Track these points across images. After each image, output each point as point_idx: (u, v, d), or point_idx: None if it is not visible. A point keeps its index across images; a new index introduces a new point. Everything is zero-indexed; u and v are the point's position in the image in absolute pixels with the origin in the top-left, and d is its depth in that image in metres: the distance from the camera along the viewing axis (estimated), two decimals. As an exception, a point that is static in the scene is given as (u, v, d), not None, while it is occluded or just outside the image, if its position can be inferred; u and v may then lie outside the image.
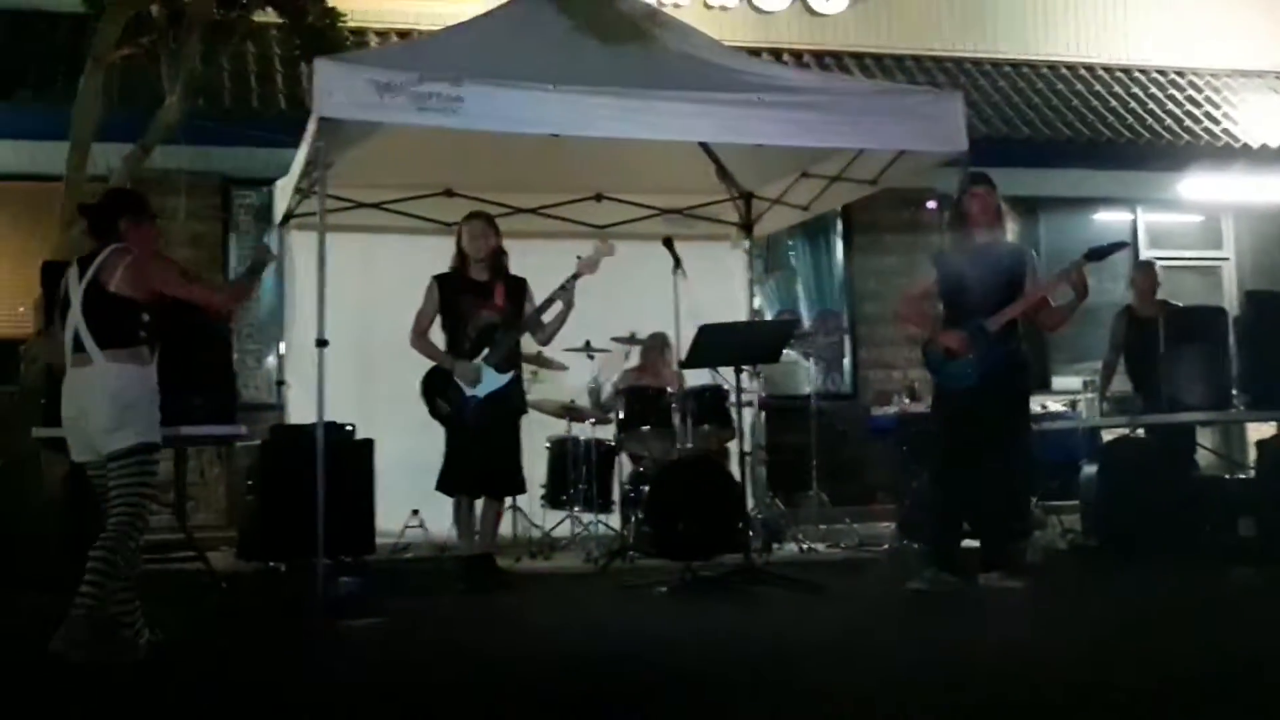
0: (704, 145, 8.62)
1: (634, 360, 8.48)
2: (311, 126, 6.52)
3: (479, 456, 6.73)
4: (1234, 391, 7.65)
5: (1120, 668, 4.14)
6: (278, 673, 4.41)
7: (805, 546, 8.21)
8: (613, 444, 8.04)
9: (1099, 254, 6.44)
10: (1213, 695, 3.66)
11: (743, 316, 9.13)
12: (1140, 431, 8.37)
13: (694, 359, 6.59)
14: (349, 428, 7.21)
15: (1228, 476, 8.45)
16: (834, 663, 4.45)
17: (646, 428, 7.67)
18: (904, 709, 3.63)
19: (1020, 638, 4.93)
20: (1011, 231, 6.63)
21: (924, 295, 6.68)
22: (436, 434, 6.92)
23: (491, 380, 6.75)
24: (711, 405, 7.67)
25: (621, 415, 7.77)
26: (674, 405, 7.52)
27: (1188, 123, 12.10)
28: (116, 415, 4.62)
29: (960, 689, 3.88)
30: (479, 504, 6.85)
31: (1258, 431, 8.46)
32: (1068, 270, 6.38)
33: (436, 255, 7.15)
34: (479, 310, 6.83)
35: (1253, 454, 8.34)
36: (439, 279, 6.92)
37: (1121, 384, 8.71)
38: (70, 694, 4.04)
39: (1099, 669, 4.16)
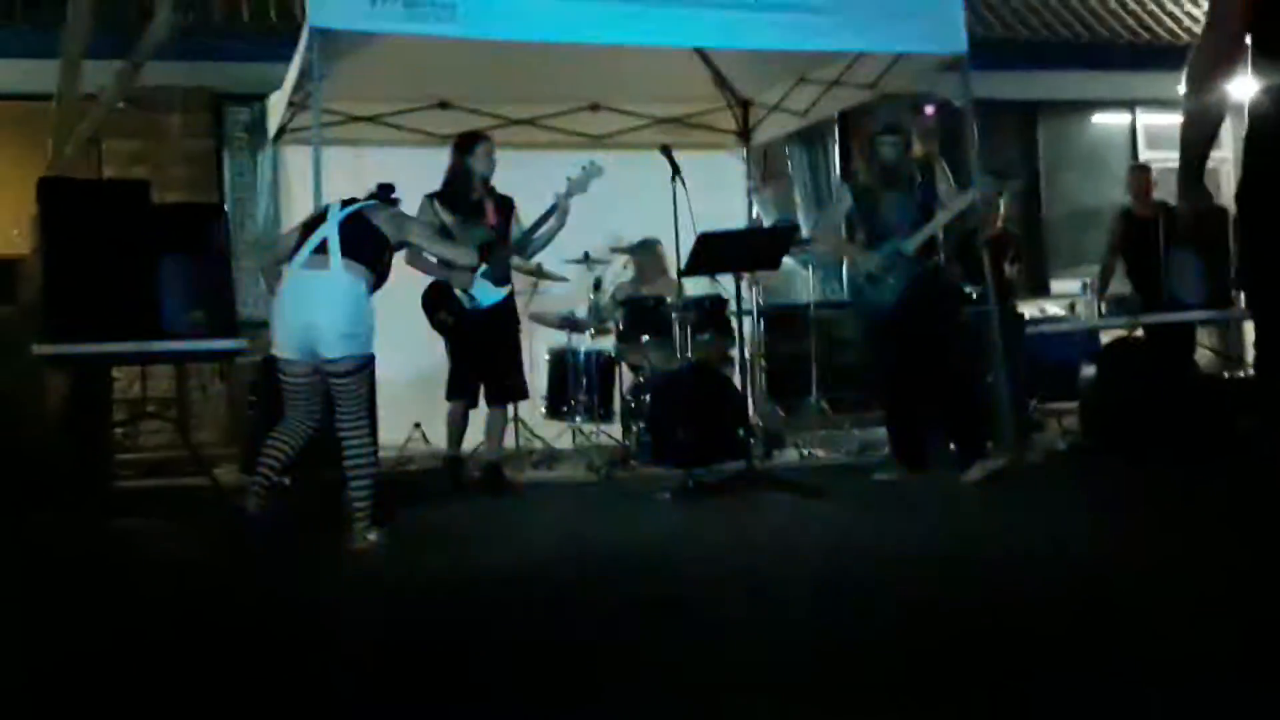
0: (700, 52, 8.54)
1: (629, 272, 8.47)
2: (303, 38, 6.46)
3: (482, 364, 6.83)
4: (1233, 291, 7.66)
5: (1107, 566, 4.19)
6: (294, 587, 4.45)
7: (805, 452, 8.25)
8: (612, 355, 8.05)
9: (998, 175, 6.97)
10: (1188, 591, 3.69)
11: (741, 225, 9.10)
12: (1139, 333, 8.40)
13: (694, 266, 6.60)
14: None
15: (1226, 375, 8.47)
16: (832, 562, 4.51)
17: (646, 338, 7.68)
18: (903, 605, 3.68)
19: (1012, 534, 5.00)
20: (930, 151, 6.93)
21: (840, 220, 7.04)
22: (436, 348, 6.96)
23: (489, 294, 6.79)
24: (711, 314, 7.67)
25: (621, 326, 7.78)
26: (674, 315, 7.52)
27: (1187, 23, 11.96)
28: (353, 321, 5.04)
29: (952, 584, 3.96)
30: (480, 413, 6.93)
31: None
32: (978, 191, 6.93)
33: (432, 169, 7.11)
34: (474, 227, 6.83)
35: (1251, 353, 8.36)
36: (433, 197, 6.90)
37: (1120, 287, 8.72)
38: (94, 611, 4.09)
39: (1085, 567, 4.21)
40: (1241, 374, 8.46)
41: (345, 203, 5.34)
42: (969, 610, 3.55)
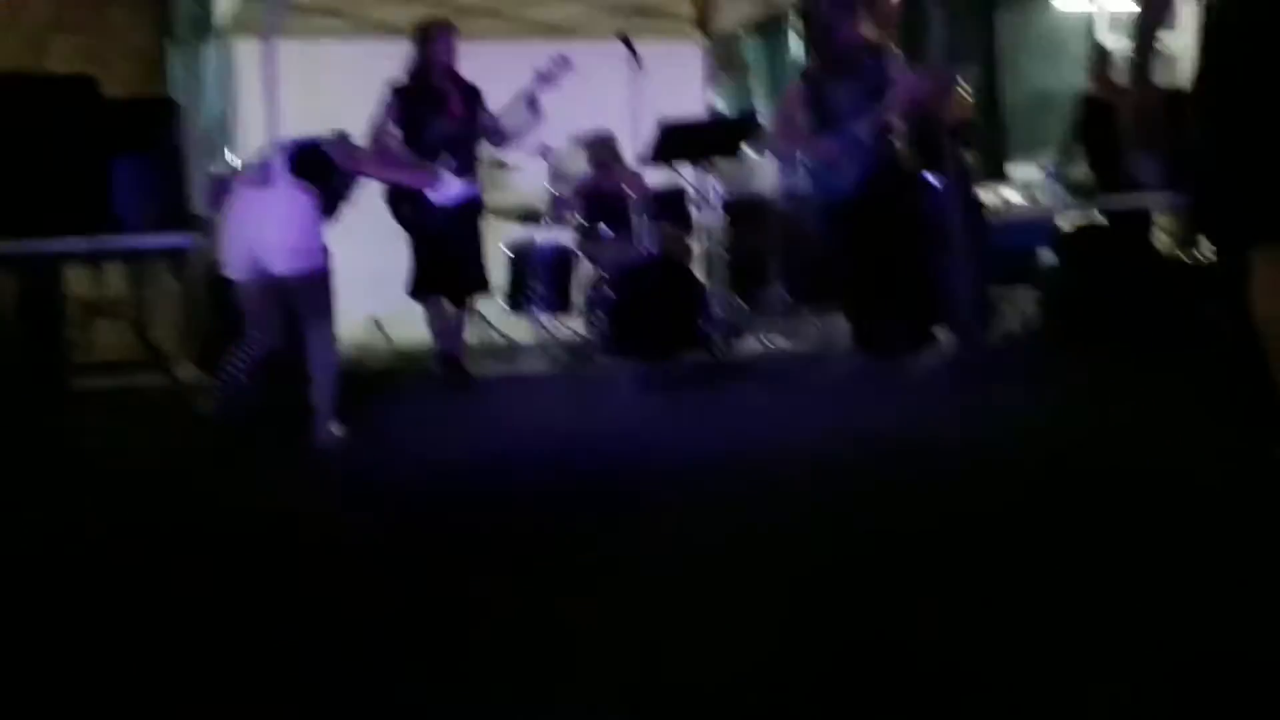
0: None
1: (581, 164, 8.37)
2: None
3: (447, 259, 6.75)
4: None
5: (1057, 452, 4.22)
6: (257, 484, 4.43)
7: (767, 343, 8.25)
8: (572, 247, 7.99)
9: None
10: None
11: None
12: (1100, 221, 8.39)
13: (655, 155, 6.54)
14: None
15: (1186, 260, 8.49)
16: (789, 450, 4.52)
17: (605, 228, 7.62)
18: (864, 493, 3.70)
19: (980, 418, 5.03)
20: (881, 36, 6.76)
21: (794, 110, 6.84)
22: (396, 244, 6.87)
23: (454, 187, 6.70)
24: (671, 206, 7.62)
25: (580, 218, 7.71)
26: (633, 206, 7.46)
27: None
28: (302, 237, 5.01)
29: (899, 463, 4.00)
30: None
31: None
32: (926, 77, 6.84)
33: (388, 61, 6.96)
34: (437, 123, 6.73)
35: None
36: (397, 90, 6.77)
37: (1080, 173, 8.69)
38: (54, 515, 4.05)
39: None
40: (1201, 258, 8.47)
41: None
42: (935, 496, 3.58)
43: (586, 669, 2.21)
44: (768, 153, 9.23)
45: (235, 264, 5.14)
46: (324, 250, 5.16)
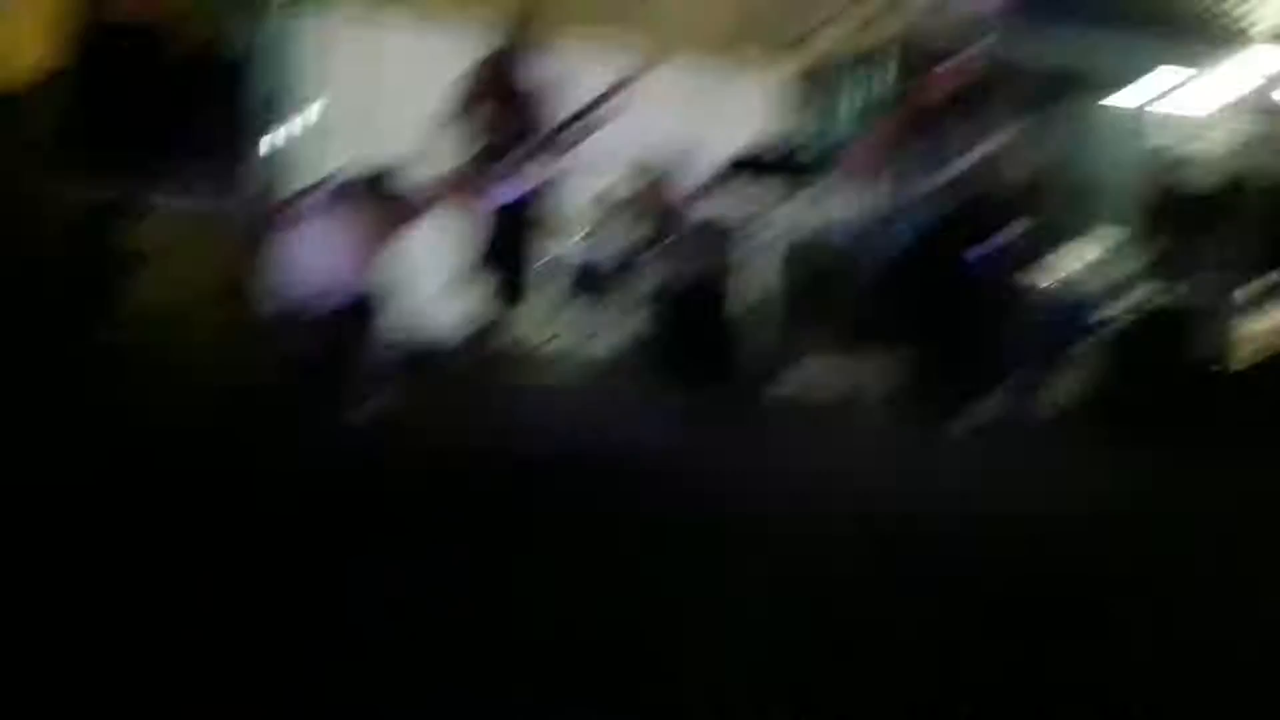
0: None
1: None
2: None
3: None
4: None
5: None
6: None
7: (812, 382, 8.12)
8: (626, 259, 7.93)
9: None
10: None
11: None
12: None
13: (723, 178, 6.39)
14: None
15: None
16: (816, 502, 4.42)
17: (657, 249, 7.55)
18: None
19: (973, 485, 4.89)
20: None
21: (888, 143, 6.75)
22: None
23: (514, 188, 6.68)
24: (728, 234, 7.56)
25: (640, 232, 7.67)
26: (692, 227, 7.37)
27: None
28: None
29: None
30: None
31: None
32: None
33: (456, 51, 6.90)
34: (503, 116, 6.76)
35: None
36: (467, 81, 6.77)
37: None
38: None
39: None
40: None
41: None
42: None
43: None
44: (838, 187, 9.12)
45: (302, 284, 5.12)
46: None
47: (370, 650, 2.28)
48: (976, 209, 6.83)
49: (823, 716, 2.13)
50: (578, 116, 6.71)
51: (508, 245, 6.72)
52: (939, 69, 6.53)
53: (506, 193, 6.66)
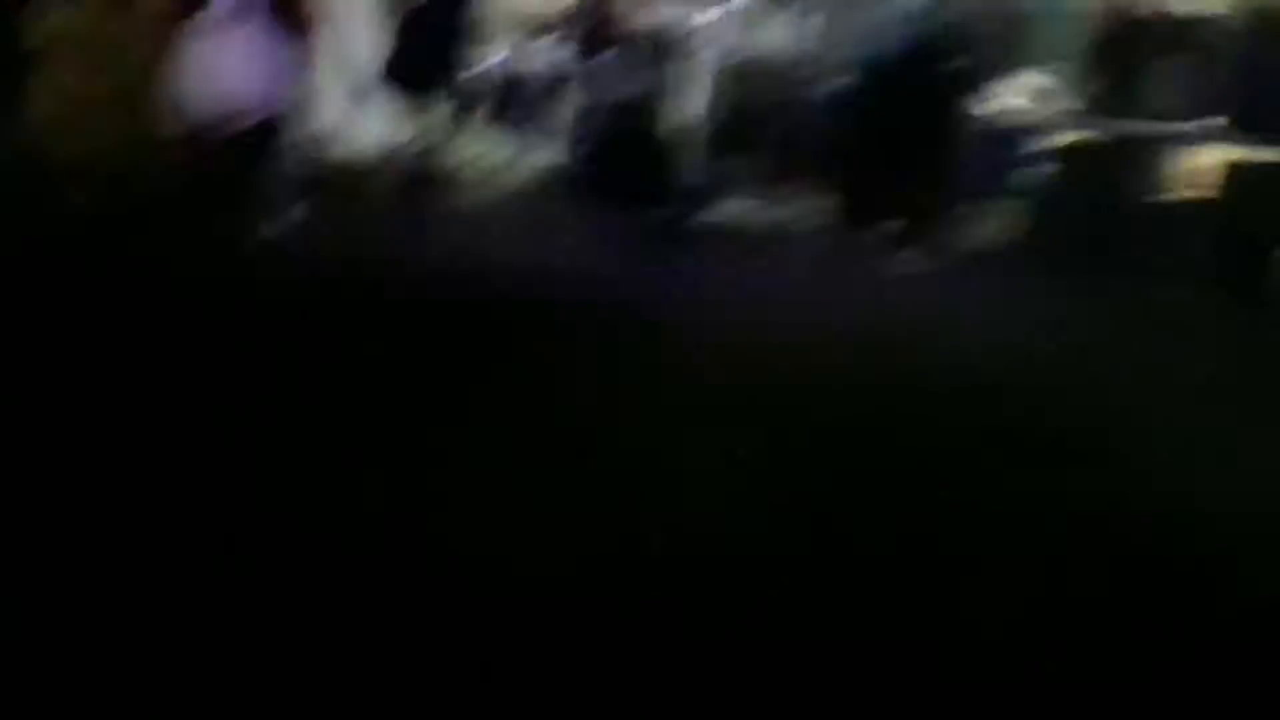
0: None
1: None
2: None
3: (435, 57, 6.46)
4: None
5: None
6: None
7: (748, 209, 7.93)
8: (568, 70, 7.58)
9: None
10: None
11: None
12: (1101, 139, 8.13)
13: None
14: None
15: (1176, 196, 8.27)
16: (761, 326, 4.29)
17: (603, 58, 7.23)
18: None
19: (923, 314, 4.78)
20: None
21: None
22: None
23: None
24: (669, 45, 7.24)
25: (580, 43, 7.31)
26: (631, 39, 7.05)
27: None
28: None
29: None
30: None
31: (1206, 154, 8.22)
32: None
33: None
34: None
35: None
36: None
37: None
38: None
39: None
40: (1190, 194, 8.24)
41: None
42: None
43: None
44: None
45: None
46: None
47: (282, 460, 2.13)
48: (923, 40, 6.55)
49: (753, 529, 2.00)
50: None
51: (426, 54, 6.34)
52: None
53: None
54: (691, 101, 7.61)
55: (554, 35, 7.57)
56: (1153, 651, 1.73)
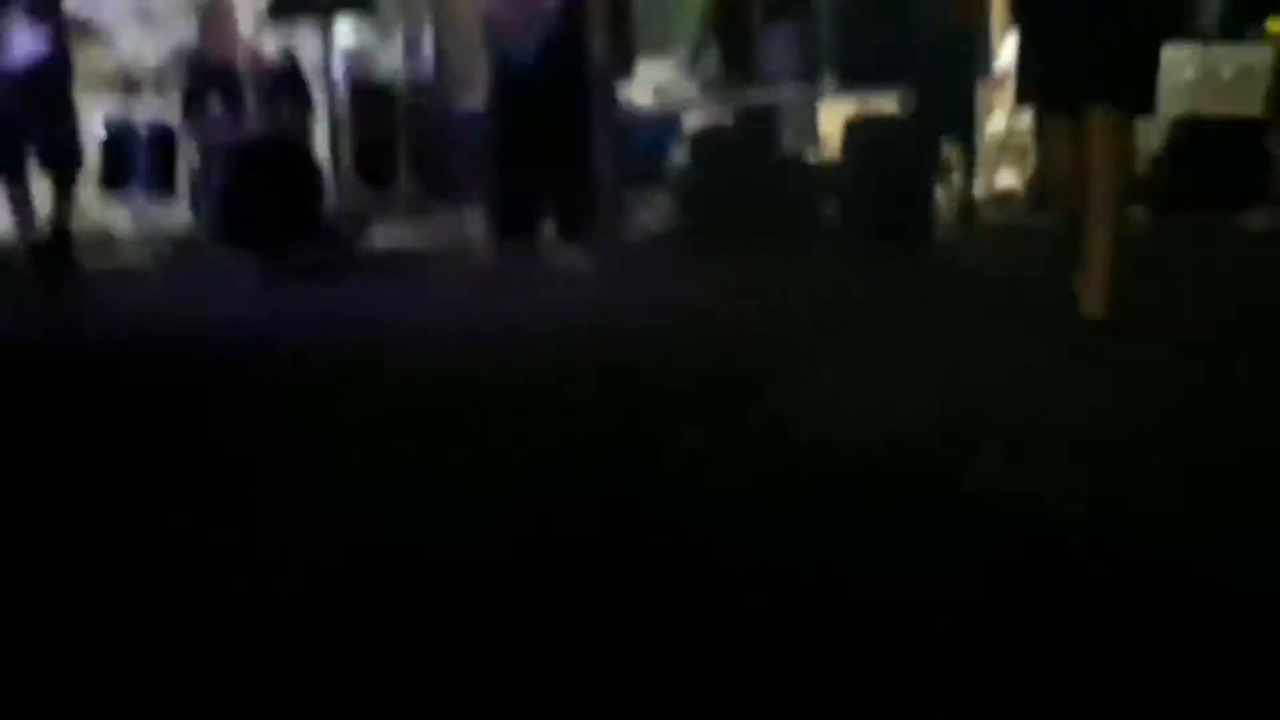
0: None
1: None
2: None
3: (25, 125, 5.87)
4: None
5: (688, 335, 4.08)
6: None
7: (393, 235, 7.77)
8: (174, 124, 7.18)
9: None
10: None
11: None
12: (728, 118, 8.37)
13: (279, 8, 5.87)
14: None
15: (811, 159, 8.62)
16: (449, 341, 4.17)
17: (214, 104, 6.89)
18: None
19: (592, 306, 4.85)
20: None
21: None
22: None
23: (28, 42, 5.82)
24: (290, 81, 6.97)
25: (185, 90, 6.93)
26: (247, 79, 6.77)
27: None
28: None
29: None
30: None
31: (834, 112, 8.59)
32: None
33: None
34: None
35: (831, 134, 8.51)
36: None
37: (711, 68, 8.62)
38: None
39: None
40: (824, 155, 8.61)
41: None
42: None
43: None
44: (395, 32, 8.67)
45: None
46: None
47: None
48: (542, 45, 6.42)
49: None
50: None
51: (37, 102, 5.90)
52: None
53: (22, 43, 5.82)
54: (322, 135, 7.40)
55: (152, 88, 7.20)
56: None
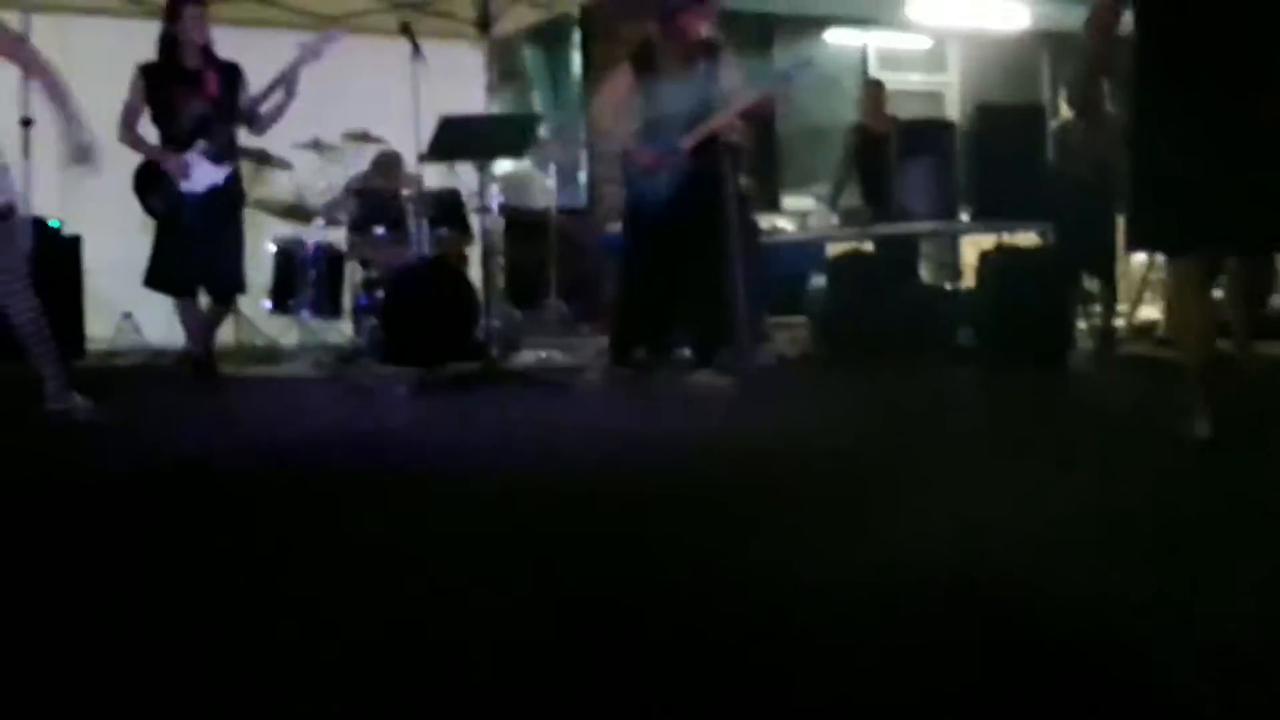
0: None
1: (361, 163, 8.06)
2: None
3: (196, 253, 6.37)
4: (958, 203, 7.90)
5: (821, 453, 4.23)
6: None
7: (543, 355, 8.10)
8: (343, 247, 7.67)
9: (790, 75, 6.67)
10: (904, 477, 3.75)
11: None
12: (868, 246, 8.58)
13: (436, 151, 6.30)
14: (55, 224, 6.67)
15: (949, 287, 8.75)
16: (556, 451, 4.40)
17: (380, 230, 7.36)
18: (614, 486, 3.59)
19: (728, 428, 4.98)
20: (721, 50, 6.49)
21: (625, 97, 6.50)
22: (150, 232, 6.49)
23: (208, 174, 6.36)
24: (449, 209, 7.41)
25: (353, 218, 7.42)
26: (409, 208, 7.22)
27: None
28: None
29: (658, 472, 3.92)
30: (203, 302, 6.51)
31: (975, 246, 8.75)
32: (761, 91, 6.44)
33: (143, 39, 6.59)
34: (191, 100, 6.38)
35: (970, 264, 8.66)
36: (144, 69, 6.41)
37: (852, 201, 8.86)
38: None
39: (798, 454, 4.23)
40: (962, 286, 8.73)
41: None
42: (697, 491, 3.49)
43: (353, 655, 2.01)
44: (549, 163, 9.10)
45: None
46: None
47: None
48: (702, 166, 6.60)
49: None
50: (269, 91, 6.42)
51: (212, 229, 6.40)
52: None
53: (202, 174, 6.35)
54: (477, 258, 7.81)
55: (322, 214, 7.68)
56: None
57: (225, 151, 6.45)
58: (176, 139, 6.35)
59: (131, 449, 4.46)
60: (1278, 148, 3.83)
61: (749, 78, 6.46)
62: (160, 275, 6.40)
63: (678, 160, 6.13)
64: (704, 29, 6.16)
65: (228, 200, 6.49)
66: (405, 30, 6.47)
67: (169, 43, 6.40)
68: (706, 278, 6.30)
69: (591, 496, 3.43)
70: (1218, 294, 4.21)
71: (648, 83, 6.23)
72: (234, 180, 6.56)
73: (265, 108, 6.46)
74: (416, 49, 6.39)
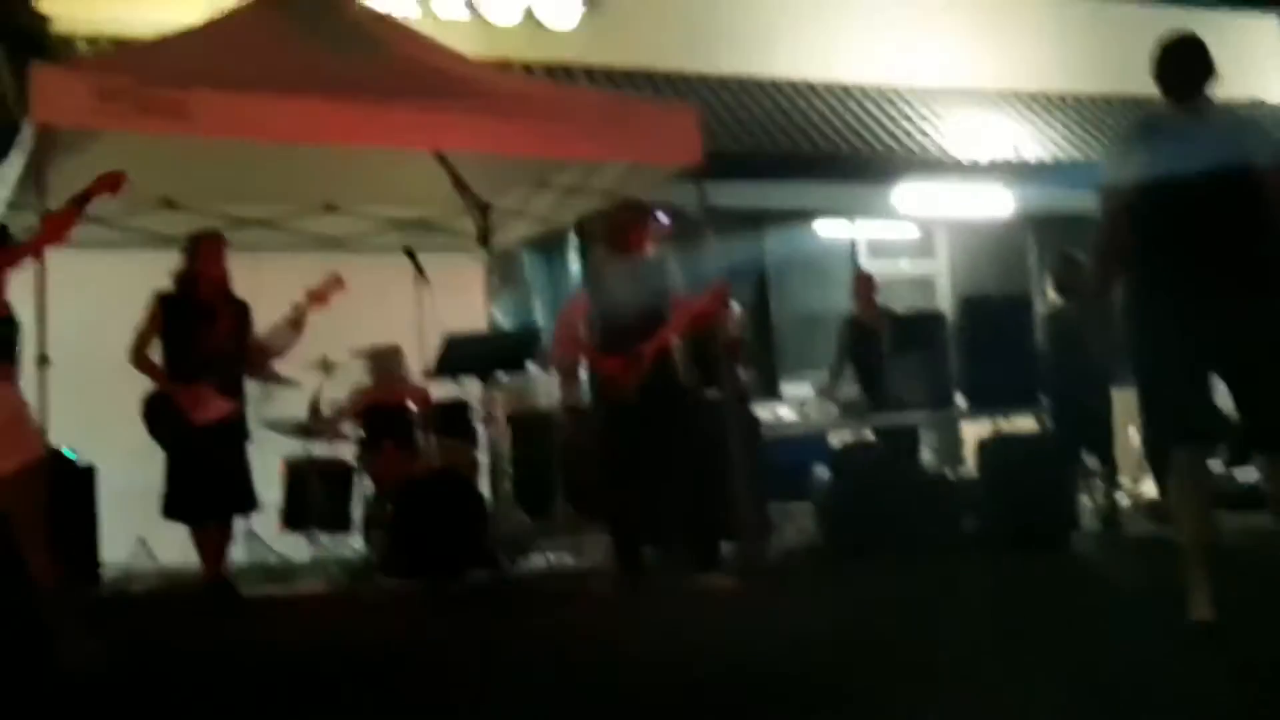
0: (439, 154, 8.51)
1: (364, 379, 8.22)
2: (27, 136, 6.16)
3: (206, 480, 6.53)
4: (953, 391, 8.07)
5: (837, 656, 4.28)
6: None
7: (551, 558, 8.16)
8: (352, 463, 7.79)
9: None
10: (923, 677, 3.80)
11: (482, 328, 9.06)
12: (869, 435, 8.70)
13: (443, 367, 6.49)
14: (69, 454, 6.79)
15: (949, 475, 8.84)
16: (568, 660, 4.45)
17: (389, 444, 7.49)
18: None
19: (738, 631, 5.06)
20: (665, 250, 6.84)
21: (578, 320, 6.80)
22: (161, 458, 6.63)
23: (217, 407, 6.56)
24: (455, 419, 7.56)
25: (362, 434, 7.56)
26: (416, 420, 7.37)
27: (901, 137, 12.62)
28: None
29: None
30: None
31: (973, 430, 8.87)
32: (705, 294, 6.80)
33: (157, 269, 6.84)
34: (206, 337, 6.61)
35: (969, 451, 8.77)
36: (163, 300, 6.64)
37: (849, 391, 9.01)
38: None
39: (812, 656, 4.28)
40: (962, 473, 8.83)
41: None
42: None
43: None
44: (550, 368, 9.28)
45: None
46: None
47: None
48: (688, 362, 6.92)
49: None
50: (277, 326, 6.66)
51: (221, 456, 6.55)
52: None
53: (212, 406, 6.52)
54: (484, 465, 7.94)
55: (330, 430, 7.82)
56: None
57: (233, 385, 6.65)
58: (187, 373, 6.55)
59: (146, 688, 4.51)
60: (1260, 340, 4.05)
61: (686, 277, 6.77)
62: (178, 505, 6.53)
63: (640, 366, 6.39)
64: (650, 246, 6.61)
65: (235, 429, 6.68)
66: (409, 255, 6.70)
67: (189, 276, 6.65)
68: (686, 480, 6.44)
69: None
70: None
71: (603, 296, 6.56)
72: (241, 411, 6.77)
73: (276, 343, 6.70)
74: (420, 272, 6.62)
